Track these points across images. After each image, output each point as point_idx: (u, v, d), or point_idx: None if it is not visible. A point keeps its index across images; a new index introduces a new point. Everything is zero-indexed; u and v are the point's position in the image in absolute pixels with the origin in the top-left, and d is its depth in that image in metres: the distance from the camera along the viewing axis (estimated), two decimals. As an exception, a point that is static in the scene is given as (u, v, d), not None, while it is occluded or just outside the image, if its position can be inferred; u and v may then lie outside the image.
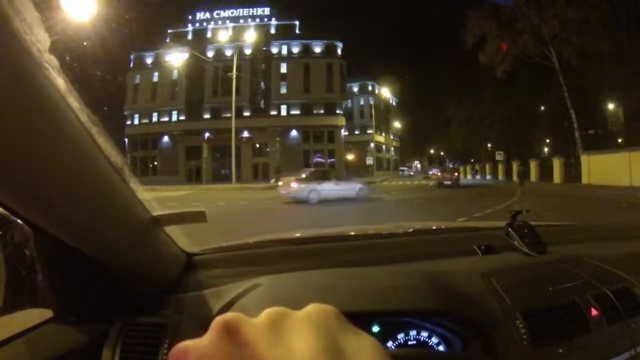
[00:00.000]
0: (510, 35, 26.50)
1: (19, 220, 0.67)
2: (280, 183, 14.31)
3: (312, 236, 1.58)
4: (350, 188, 14.11)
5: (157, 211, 0.83)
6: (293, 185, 12.77)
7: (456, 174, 25.27)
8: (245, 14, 47.09)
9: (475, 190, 22.49)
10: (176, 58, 41.23)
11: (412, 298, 0.88)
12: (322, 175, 14.52)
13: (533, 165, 28.11)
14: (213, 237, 1.31)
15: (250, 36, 38.28)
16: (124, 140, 43.42)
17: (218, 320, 0.26)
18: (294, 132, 44.68)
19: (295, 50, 46.32)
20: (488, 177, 38.50)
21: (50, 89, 0.50)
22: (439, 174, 29.70)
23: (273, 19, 47.11)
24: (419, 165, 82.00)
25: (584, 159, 23.17)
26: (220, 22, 46.44)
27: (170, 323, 0.81)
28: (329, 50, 46.71)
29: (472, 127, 45.24)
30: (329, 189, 13.35)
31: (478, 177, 43.40)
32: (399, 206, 12.78)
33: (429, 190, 21.68)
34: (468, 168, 48.01)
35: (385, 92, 57.81)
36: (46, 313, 0.81)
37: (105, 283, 0.78)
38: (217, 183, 33.03)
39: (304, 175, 13.29)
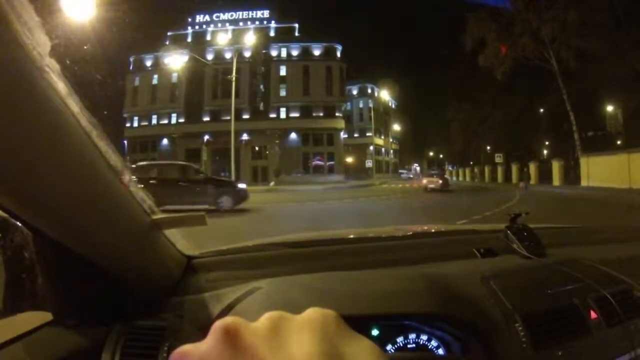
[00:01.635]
0: (509, 38, 26.60)
1: (18, 223, 0.67)
2: (424, 181, 23.90)
3: (312, 239, 1.58)
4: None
5: (157, 214, 0.83)
6: (439, 181, 22.77)
7: (446, 177, 32.33)
8: (244, 17, 47.12)
9: (474, 193, 22.51)
10: (176, 60, 41.23)
11: (412, 301, 0.88)
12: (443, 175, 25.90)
13: (532, 168, 28.16)
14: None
15: (250, 39, 38.29)
16: (124, 143, 43.42)
17: (218, 325, 0.26)
18: (293, 135, 44.71)
19: (295, 52, 46.38)
20: (487, 180, 38.52)
21: (51, 92, 0.50)
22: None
23: (272, 22, 47.16)
24: (418, 168, 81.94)
25: (583, 161, 23.22)
26: (219, 25, 46.49)
27: (170, 326, 0.81)
28: (328, 53, 46.77)
29: (471, 130, 45.24)
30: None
31: (470, 180, 43.51)
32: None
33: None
34: (467, 171, 48.03)
35: (385, 95, 57.80)
36: (46, 316, 0.81)
37: (104, 286, 0.78)
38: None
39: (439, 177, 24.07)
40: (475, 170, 44.99)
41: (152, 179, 11.34)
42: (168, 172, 12.91)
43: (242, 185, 13.20)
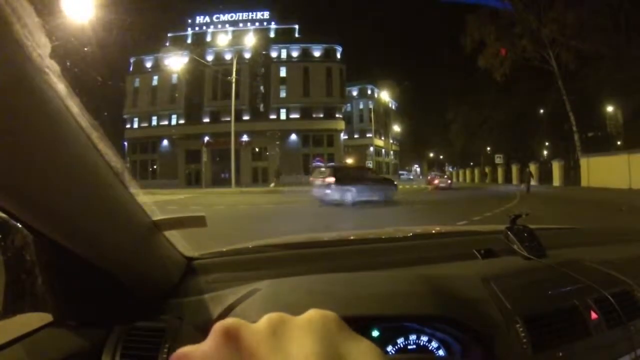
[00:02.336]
0: (509, 39, 26.64)
1: (19, 225, 0.67)
2: (436, 181, 25.20)
3: (312, 241, 1.58)
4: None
5: (157, 216, 0.83)
6: (447, 181, 24.82)
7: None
8: (244, 18, 47.13)
9: (475, 194, 22.51)
10: (176, 62, 41.31)
11: (412, 303, 0.88)
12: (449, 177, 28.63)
13: (533, 169, 28.09)
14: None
15: (250, 40, 38.33)
16: (124, 144, 43.43)
17: (218, 326, 0.26)
18: (293, 136, 44.70)
19: (295, 54, 46.40)
20: (487, 181, 38.49)
21: (51, 94, 0.50)
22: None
23: (272, 23, 47.17)
24: (418, 169, 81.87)
25: (584, 161, 23.23)
26: (219, 26, 46.51)
27: (169, 328, 0.81)
28: (328, 54, 46.80)
29: (471, 131, 45.22)
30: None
31: (470, 181, 43.44)
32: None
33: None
34: (467, 172, 48.00)
35: (385, 96, 57.73)
36: (46, 317, 0.81)
37: (104, 287, 0.78)
38: (217, 187, 33.05)
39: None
40: (476, 171, 44.94)
41: (352, 178, 14.73)
42: (362, 173, 16.62)
43: (395, 183, 17.72)
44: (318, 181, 14.73)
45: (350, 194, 13.76)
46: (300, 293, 0.90)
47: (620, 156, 20.25)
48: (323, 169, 15.80)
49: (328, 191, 13.94)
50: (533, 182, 25.51)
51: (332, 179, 14.13)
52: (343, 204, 13.33)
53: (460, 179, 49.59)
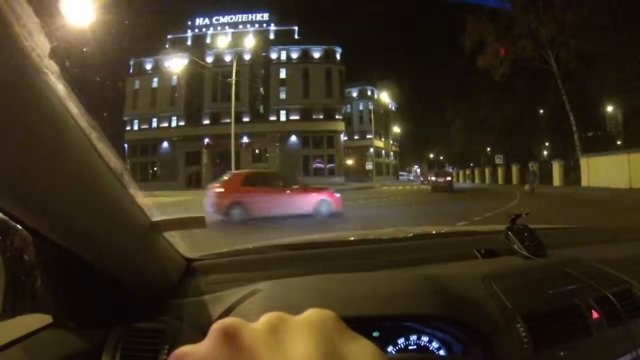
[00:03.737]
0: (508, 39, 26.61)
1: (18, 226, 0.67)
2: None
3: (312, 241, 1.58)
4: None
5: (157, 217, 0.83)
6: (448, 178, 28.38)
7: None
8: (244, 20, 47.18)
9: (475, 194, 22.52)
10: (176, 63, 41.39)
11: (413, 303, 0.88)
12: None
13: (535, 168, 28.02)
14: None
15: (250, 42, 38.39)
16: (124, 146, 43.43)
17: (217, 325, 0.26)
18: (293, 138, 44.71)
19: (295, 55, 46.43)
20: (487, 181, 38.43)
21: (50, 94, 0.50)
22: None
23: (272, 25, 47.19)
24: (418, 170, 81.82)
25: (584, 161, 23.15)
26: (219, 28, 46.60)
27: (169, 329, 0.81)
28: (328, 56, 46.83)
29: (471, 131, 45.22)
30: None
31: (470, 181, 43.38)
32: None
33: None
34: (467, 172, 47.98)
35: (385, 97, 57.72)
36: (45, 318, 0.80)
37: (104, 288, 0.78)
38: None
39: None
40: (476, 171, 44.89)
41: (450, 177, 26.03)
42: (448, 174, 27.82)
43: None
44: (440, 179, 25.35)
45: (449, 185, 24.79)
46: (301, 293, 0.90)
47: (620, 156, 20.19)
48: (440, 172, 28.67)
49: (445, 185, 24.62)
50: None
51: (449, 178, 25.79)
52: (445, 191, 23.42)
53: (461, 179, 49.54)
